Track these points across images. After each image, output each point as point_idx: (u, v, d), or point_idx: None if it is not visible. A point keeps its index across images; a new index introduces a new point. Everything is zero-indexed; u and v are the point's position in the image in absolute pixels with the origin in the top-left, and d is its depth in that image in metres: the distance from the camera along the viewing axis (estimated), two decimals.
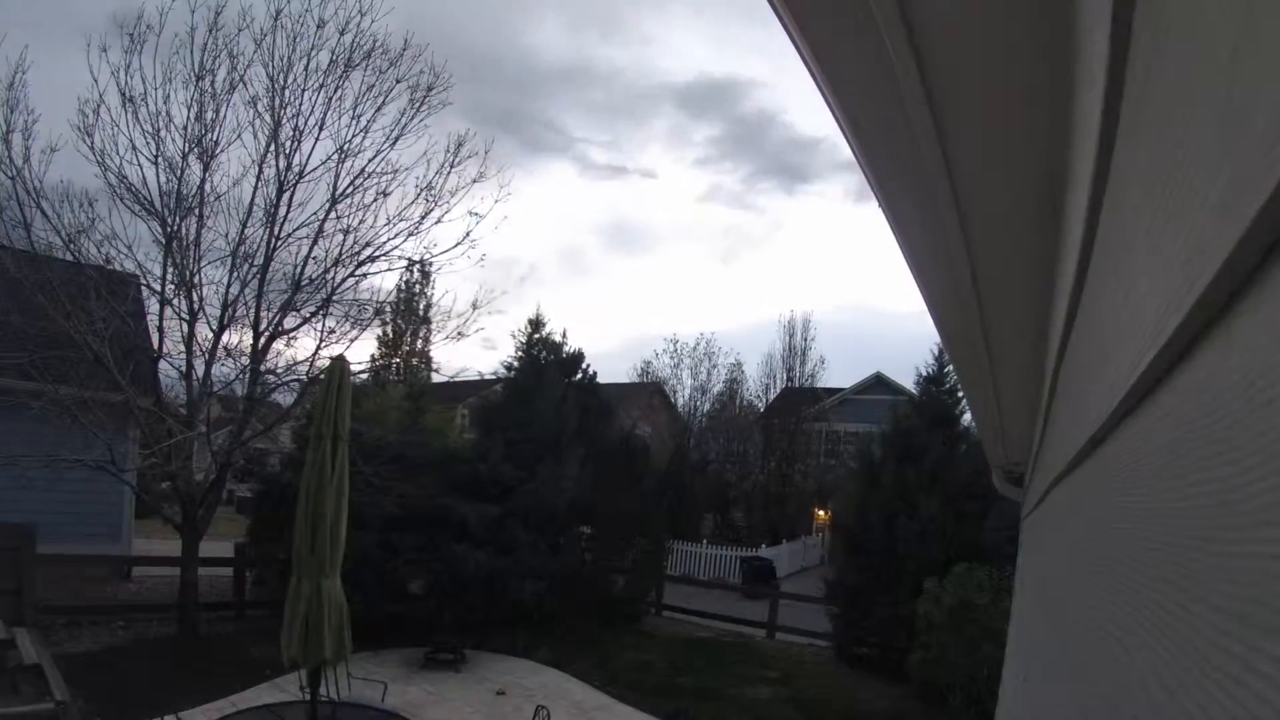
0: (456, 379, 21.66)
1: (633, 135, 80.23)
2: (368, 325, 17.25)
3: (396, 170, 16.53)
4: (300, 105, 15.69)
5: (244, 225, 15.81)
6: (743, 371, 48.18)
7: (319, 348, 16.44)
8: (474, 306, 17.40)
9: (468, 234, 16.76)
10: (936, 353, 19.24)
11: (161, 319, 15.78)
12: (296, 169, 15.85)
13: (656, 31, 78.11)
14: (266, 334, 16.17)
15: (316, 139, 15.93)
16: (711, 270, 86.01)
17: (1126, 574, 1.10)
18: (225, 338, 15.91)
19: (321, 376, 13.64)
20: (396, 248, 16.60)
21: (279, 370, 16.63)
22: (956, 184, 1.81)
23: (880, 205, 2.14)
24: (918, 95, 1.51)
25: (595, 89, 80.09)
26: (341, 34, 15.56)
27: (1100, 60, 1.12)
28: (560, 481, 18.46)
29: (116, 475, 14.97)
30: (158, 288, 15.40)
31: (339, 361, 9.21)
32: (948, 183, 1.79)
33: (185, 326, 15.64)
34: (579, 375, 23.07)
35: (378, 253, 16.43)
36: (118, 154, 14.63)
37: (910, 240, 2.36)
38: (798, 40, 1.48)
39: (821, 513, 41.77)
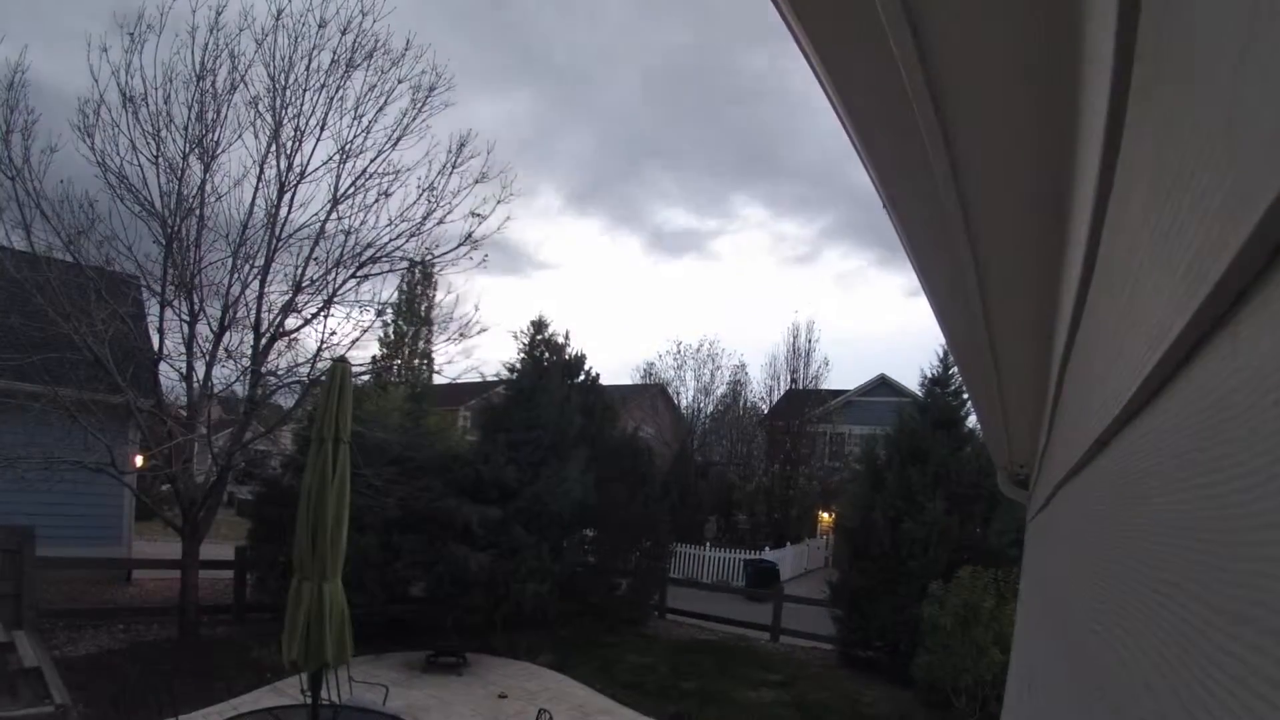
0: (459, 380, 21.64)
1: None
2: (369, 327, 17.25)
3: (398, 171, 16.54)
4: (301, 105, 15.71)
5: (245, 226, 15.83)
6: (746, 373, 48.31)
7: (320, 349, 16.43)
8: (476, 307, 17.44)
9: (469, 235, 16.78)
10: (941, 354, 19.26)
11: (162, 320, 15.81)
12: (298, 169, 15.87)
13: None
14: (267, 335, 16.16)
15: (318, 139, 15.96)
16: (717, 275, 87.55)
17: (1131, 576, 1.10)
18: (226, 339, 15.91)
19: (323, 378, 13.65)
20: (398, 249, 16.62)
21: (280, 372, 16.63)
22: (961, 184, 1.81)
23: (885, 206, 2.14)
24: (922, 95, 1.51)
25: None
26: (343, 34, 15.58)
27: (1105, 61, 1.12)
28: (563, 484, 18.44)
29: (116, 478, 14.98)
30: (158, 289, 15.41)
31: (340, 363, 9.21)
32: (952, 183, 1.79)
33: (186, 328, 15.66)
34: (582, 376, 23.08)
35: (379, 254, 16.44)
36: (118, 154, 14.68)
37: (915, 242, 2.36)
38: (802, 40, 1.48)
39: (826, 515, 41.78)
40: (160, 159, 14.91)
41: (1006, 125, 1.69)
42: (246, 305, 16.07)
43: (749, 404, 47.71)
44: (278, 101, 15.53)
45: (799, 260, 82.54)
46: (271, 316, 16.21)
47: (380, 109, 16.20)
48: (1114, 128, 1.17)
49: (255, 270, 15.92)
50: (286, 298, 16.15)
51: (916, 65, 1.43)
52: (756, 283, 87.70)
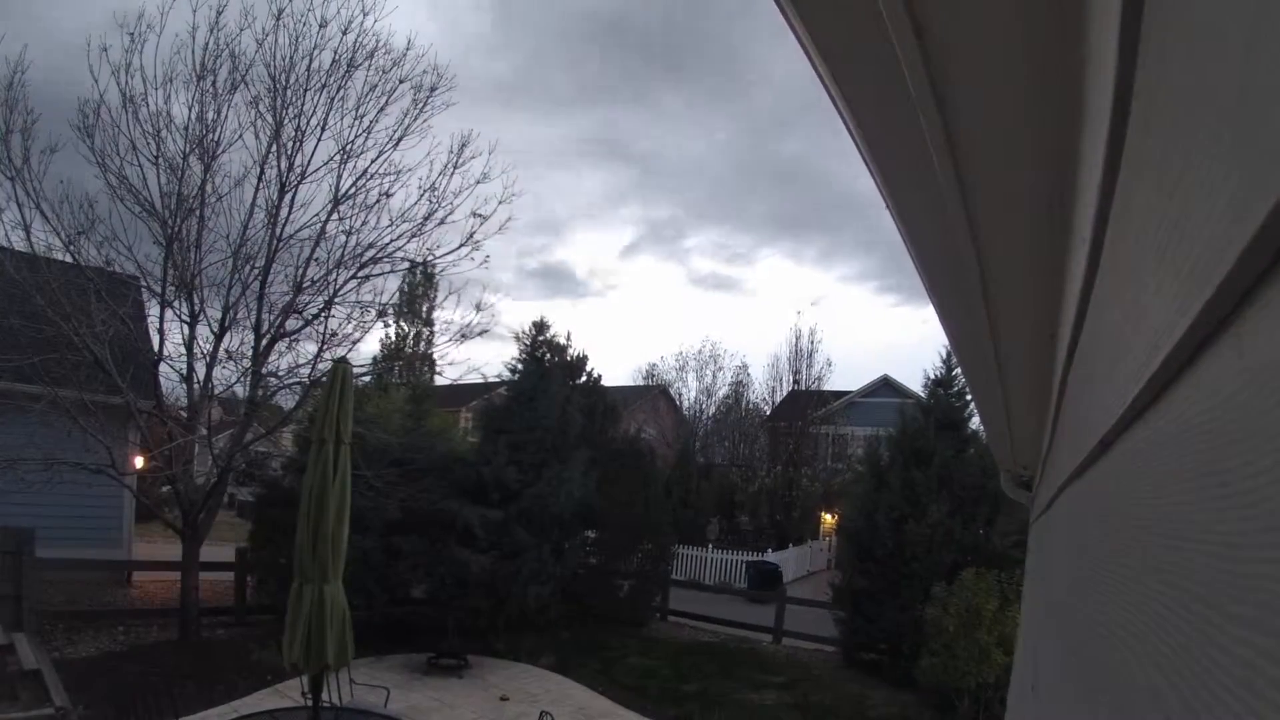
0: (460, 381, 21.62)
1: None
2: (370, 328, 17.23)
3: (399, 171, 16.53)
4: (302, 105, 15.71)
5: (245, 227, 15.84)
6: (749, 374, 48.36)
7: (321, 350, 16.41)
8: (478, 308, 17.41)
9: (471, 235, 16.76)
10: (944, 355, 19.24)
11: (162, 321, 15.79)
12: (299, 170, 15.87)
13: None
14: (268, 336, 16.15)
15: (319, 139, 15.95)
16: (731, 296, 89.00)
17: (1135, 579, 1.10)
18: (226, 340, 15.91)
19: (323, 379, 13.64)
20: (399, 249, 16.59)
21: (280, 373, 16.62)
22: (964, 183, 1.81)
23: (888, 206, 2.14)
24: (925, 93, 1.50)
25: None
26: (344, 33, 15.58)
27: (1109, 57, 1.11)
28: (565, 485, 18.43)
29: (116, 479, 14.97)
30: (158, 289, 15.40)
31: (341, 364, 9.22)
32: (955, 181, 1.79)
33: (186, 329, 15.65)
34: (584, 378, 23.06)
35: (380, 254, 16.42)
36: (118, 154, 14.69)
37: (918, 243, 2.36)
38: (804, 40, 1.47)
39: (828, 516, 41.78)
40: (160, 159, 14.93)
41: (1009, 123, 1.68)
42: (247, 306, 16.08)
43: (751, 405, 47.76)
44: (278, 101, 15.54)
45: (816, 301, 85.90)
46: (272, 317, 16.20)
47: (381, 109, 16.21)
48: (1117, 126, 1.16)
49: (256, 271, 15.92)
50: (287, 298, 16.14)
51: (919, 64, 1.42)
52: (766, 296, 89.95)
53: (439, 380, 23.74)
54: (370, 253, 16.30)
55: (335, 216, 16.08)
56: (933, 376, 19.65)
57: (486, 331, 17.69)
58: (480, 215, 16.69)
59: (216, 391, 16.60)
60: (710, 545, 34.20)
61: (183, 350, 15.77)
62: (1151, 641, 0.95)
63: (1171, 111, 0.89)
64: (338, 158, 16.03)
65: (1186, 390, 0.88)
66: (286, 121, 15.62)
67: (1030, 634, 3.88)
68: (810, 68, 1.57)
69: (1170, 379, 0.94)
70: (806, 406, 42.36)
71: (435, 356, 23.56)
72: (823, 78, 1.59)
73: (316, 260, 16.11)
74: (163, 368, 15.96)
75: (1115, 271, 1.34)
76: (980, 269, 2.32)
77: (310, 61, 15.57)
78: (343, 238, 16.18)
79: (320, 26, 15.43)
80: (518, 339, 21.37)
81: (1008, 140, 1.73)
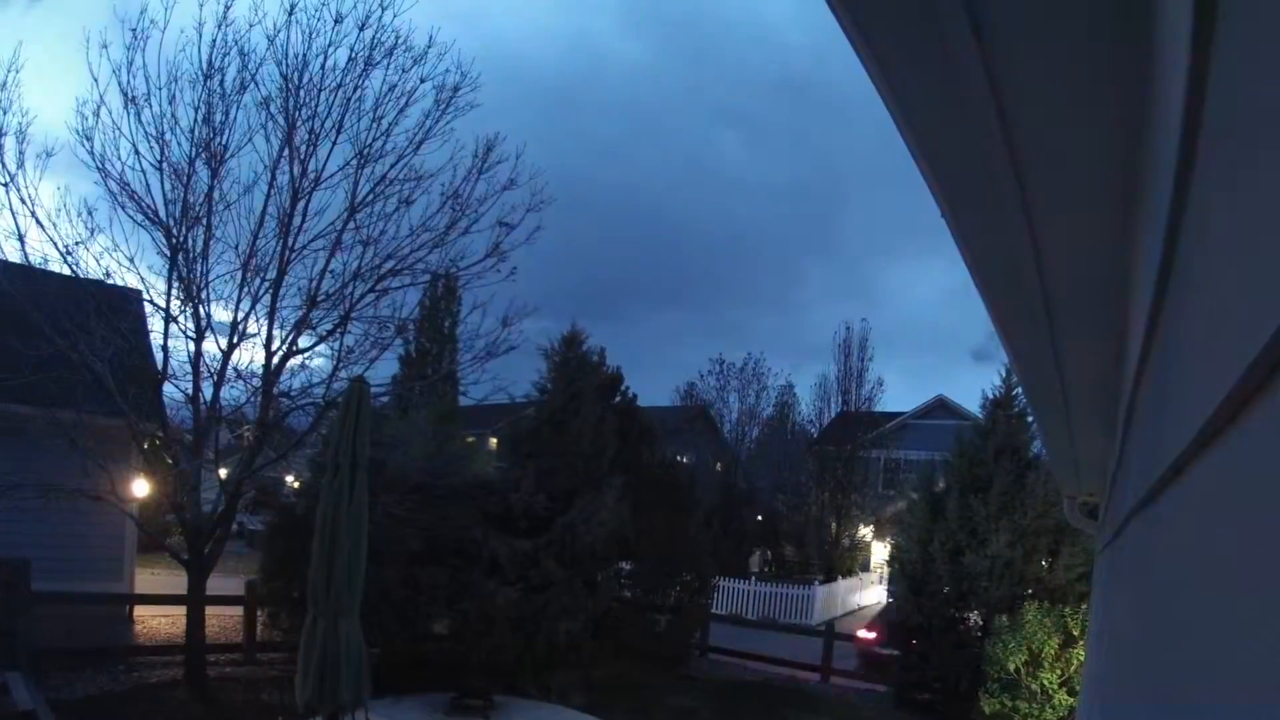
0: (486, 402, 21.54)
1: None
2: (389, 344, 17.17)
3: (420, 177, 16.45)
4: (316, 106, 15.62)
5: (255, 236, 15.75)
6: (794, 394, 47.92)
7: (336, 368, 16.39)
8: (504, 324, 17.36)
9: (497, 245, 16.70)
10: (1004, 374, 19.12)
11: (166, 337, 15.74)
12: (312, 175, 15.77)
13: None
14: (279, 354, 16.12)
15: (334, 143, 15.84)
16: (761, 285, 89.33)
17: (1211, 614, 1.09)
18: (235, 357, 15.90)
19: (339, 400, 13.63)
20: (420, 260, 16.54)
21: (293, 393, 16.57)
22: (1026, 188, 1.80)
23: (944, 216, 2.13)
24: (984, 96, 1.50)
25: None
26: (361, 29, 15.53)
27: (1182, 49, 1.11)
28: (598, 513, 18.33)
29: (118, 506, 14.98)
30: (162, 303, 15.38)
31: (358, 383, 9.24)
32: (1017, 188, 1.79)
33: (192, 345, 15.65)
34: (618, 398, 22.94)
35: (400, 266, 16.36)
36: (119, 159, 14.70)
37: (976, 254, 2.35)
38: (859, 46, 1.48)
39: (879, 547, 41.56)
40: (165, 164, 14.92)
41: (1073, 122, 1.68)
42: (257, 321, 16.04)
43: (797, 427, 47.40)
44: (290, 102, 15.47)
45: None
46: (284, 333, 16.18)
47: (401, 110, 16.10)
48: (1190, 123, 1.16)
49: (267, 284, 15.87)
50: (300, 313, 16.12)
51: (979, 66, 1.42)
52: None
53: (463, 401, 23.70)
54: (389, 264, 16.22)
55: (351, 225, 16.01)
56: (991, 396, 19.53)
57: (514, 349, 17.59)
58: (506, 224, 16.65)
59: (224, 414, 16.58)
60: (753, 578, 34.09)
61: (188, 369, 15.78)
62: (1226, 681, 0.94)
63: (1248, 109, 0.89)
64: (354, 162, 15.94)
65: (1266, 409, 0.87)
66: (299, 124, 15.55)
67: (1097, 672, 3.86)
68: (867, 77, 1.58)
69: (1248, 398, 0.94)
70: (857, 429, 42.15)
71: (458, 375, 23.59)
72: (876, 82, 1.59)
73: (331, 272, 16.04)
74: (167, 388, 15.95)
75: (1187, 283, 1.33)
76: (1044, 284, 2.31)
77: (325, 60, 15.52)
78: (359, 248, 16.12)
79: (335, 22, 15.38)
80: (547, 355, 21.29)
81: (1071, 138, 1.73)
